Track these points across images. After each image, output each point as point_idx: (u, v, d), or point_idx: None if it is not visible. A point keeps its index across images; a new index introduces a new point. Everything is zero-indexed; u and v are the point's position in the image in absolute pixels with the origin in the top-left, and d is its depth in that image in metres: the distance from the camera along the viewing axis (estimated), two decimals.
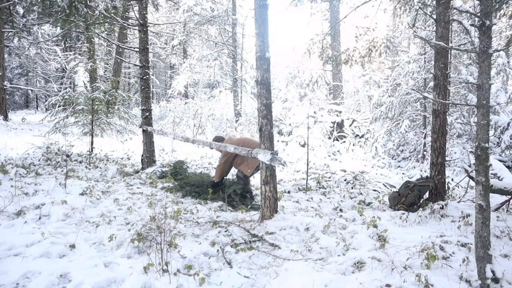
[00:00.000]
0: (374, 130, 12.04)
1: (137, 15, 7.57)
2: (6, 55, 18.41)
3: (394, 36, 13.02)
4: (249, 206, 4.81)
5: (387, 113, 10.34)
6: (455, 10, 5.92)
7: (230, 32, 16.94)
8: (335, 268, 2.87)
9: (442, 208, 4.37)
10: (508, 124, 7.27)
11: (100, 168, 7.28)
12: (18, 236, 3.26)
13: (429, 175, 4.94)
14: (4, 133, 11.71)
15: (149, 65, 7.83)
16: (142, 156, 7.65)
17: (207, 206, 4.77)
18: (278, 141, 11.02)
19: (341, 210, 4.72)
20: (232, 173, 7.59)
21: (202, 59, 17.98)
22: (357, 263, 2.97)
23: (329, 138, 11.64)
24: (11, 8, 15.06)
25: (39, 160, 7.09)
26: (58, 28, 13.57)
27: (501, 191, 4.50)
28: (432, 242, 3.29)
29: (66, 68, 21.26)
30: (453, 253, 3.13)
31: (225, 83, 19.31)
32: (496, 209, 4.63)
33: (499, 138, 7.44)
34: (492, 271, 2.48)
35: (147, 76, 7.66)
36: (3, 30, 14.85)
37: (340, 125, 12.28)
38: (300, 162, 8.59)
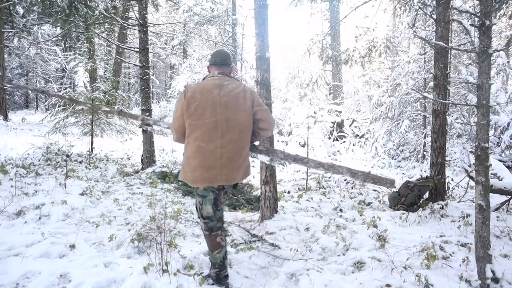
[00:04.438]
0: (374, 130, 12.04)
1: (137, 15, 7.57)
2: (6, 55, 18.41)
3: (394, 36, 13.02)
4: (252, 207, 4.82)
5: (387, 113, 10.33)
6: (455, 10, 5.92)
7: (230, 32, 16.93)
8: (335, 268, 2.87)
9: (442, 208, 4.37)
10: (508, 124, 7.26)
11: (100, 168, 7.28)
12: (18, 236, 3.26)
13: (429, 175, 4.95)
14: (4, 133, 11.70)
15: (149, 65, 7.83)
16: (142, 156, 7.66)
17: None
18: (278, 141, 11.03)
19: (341, 210, 4.72)
20: None
21: (202, 59, 17.95)
22: (357, 263, 2.97)
23: (329, 138, 11.64)
24: (11, 8, 15.05)
25: (39, 160, 7.09)
26: (58, 28, 13.56)
27: (501, 191, 4.50)
28: (432, 242, 3.29)
29: (66, 68, 21.25)
30: (453, 253, 3.13)
31: None
32: (496, 209, 4.63)
33: (499, 138, 7.44)
34: (492, 271, 2.48)
35: (147, 76, 7.66)
36: (3, 30, 14.85)
37: (340, 125, 12.28)
38: None
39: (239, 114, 2.43)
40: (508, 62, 10.62)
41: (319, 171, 3.36)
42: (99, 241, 3.30)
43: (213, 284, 2.55)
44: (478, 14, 2.44)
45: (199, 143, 2.37)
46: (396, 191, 5.07)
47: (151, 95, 9.82)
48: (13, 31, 15.66)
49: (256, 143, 2.78)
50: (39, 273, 2.61)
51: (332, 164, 2.59)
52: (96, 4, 8.20)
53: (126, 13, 14.43)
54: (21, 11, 16.63)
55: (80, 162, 7.61)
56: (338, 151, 10.99)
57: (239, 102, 2.44)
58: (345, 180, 6.91)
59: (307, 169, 6.38)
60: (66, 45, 22.47)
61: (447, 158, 5.99)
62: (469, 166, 6.46)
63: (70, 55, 19.44)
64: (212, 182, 2.39)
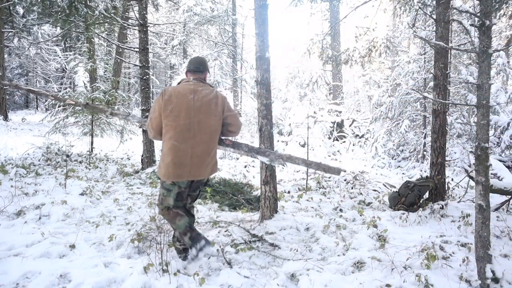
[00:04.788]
0: (374, 130, 12.04)
1: (137, 15, 7.57)
2: (6, 55, 18.41)
3: (394, 36, 13.01)
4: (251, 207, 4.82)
5: (387, 113, 10.33)
6: (455, 10, 5.92)
7: (230, 32, 16.93)
8: (335, 268, 2.87)
9: (442, 208, 4.37)
10: (508, 124, 7.27)
11: (100, 168, 7.28)
12: (18, 236, 3.26)
13: (429, 175, 4.94)
14: (4, 133, 11.71)
15: (149, 65, 7.83)
16: (142, 156, 7.65)
17: (207, 206, 4.77)
18: (278, 141, 11.02)
19: (341, 210, 4.72)
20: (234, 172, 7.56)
21: None
22: (357, 263, 2.97)
23: (329, 138, 11.64)
24: (11, 8, 15.05)
25: (39, 160, 7.09)
26: (58, 28, 13.55)
27: (501, 191, 4.50)
28: (432, 242, 3.29)
29: (66, 68, 21.25)
30: (453, 253, 3.13)
31: (225, 83, 19.29)
32: (496, 209, 4.63)
33: (499, 138, 7.44)
34: (492, 271, 2.48)
35: (147, 76, 7.66)
36: (3, 30, 14.85)
37: (340, 125, 12.28)
38: None
39: (210, 118, 2.72)
40: (508, 62, 10.62)
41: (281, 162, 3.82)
42: (99, 241, 3.30)
43: (192, 250, 2.59)
44: (478, 14, 2.44)
45: (173, 142, 2.64)
46: (396, 191, 5.07)
47: (151, 95, 9.82)
48: (13, 31, 15.66)
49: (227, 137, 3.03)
50: (39, 273, 2.61)
51: (290, 156, 2.93)
52: (96, 4, 8.19)
53: (126, 13, 14.42)
54: (21, 11, 16.63)
55: (80, 162, 7.61)
56: (338, 151, 10.99)
57: (211, 107, 2.72)
58: (345, 180, 6.91)
59: (307, 169, 6.38)
60: (66, 45, 22.47)
61: (447, 158, 5.99)
62: (469, 166, 6.46)
63: (70, 55, 19.44)
64: (182, 177, 2.68)
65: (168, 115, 2.64)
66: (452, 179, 5.81)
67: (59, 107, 11.69)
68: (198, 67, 2.85)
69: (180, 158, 2.64)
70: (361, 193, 5.81)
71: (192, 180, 2.76)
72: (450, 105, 8.08)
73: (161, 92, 2.72)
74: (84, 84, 15.67)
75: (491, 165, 2.95)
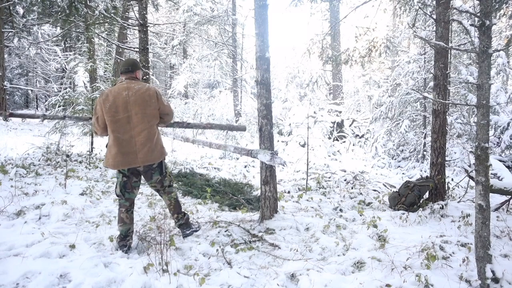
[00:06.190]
0: (374, 130, 12.04)
1: (137, 15, 7.57)
2: (6, 55, 18.41)
3: (394, 36, 13.00)
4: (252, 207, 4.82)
5: (387, 113, 10.33)
6: (455, 10, 5.92)
7: (230, 32, 16.95)
8: (335, 268, 2.87)
9: (442, 208, 4.37)
10: (508, 124, 7.27)
11: (100, 168, 7.27)
12: (18, 236, 3.26)
13: (429, 175, 4.94)
14: (4, 133, 11.71)
15: (149, 65, 7.83)
16: None
17: (207, 206, 4.77)
18: (278, 141, 11.02)
19: (341, 210, 4.72)
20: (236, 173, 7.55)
21: (202, 59, 17.94)
22: (357, 263, 2.97)
23: (329, 138, 11.64)
24: (11, 8, 15.06)
25: (39, 160, 7.08)
26: (58, 28, 13.56)
27: (501, 191, 4.50)
28: (432, 242, 3.29)
29: (66, 68, 21.24)
30: (453, 253, 3.13)
31: (225, 83, 19.29)
32: (496, 209, 4.63)
33: (499, 138, 7.45)
34: (492, 271, 2.48)
35: (147, 76, 7.67)
36: (3, 30, 14.85)
37: (340, 125, 12.28)
38: (300, 162, 8.59)
39: (146, 109, 3.09)
40: (508, 62, 10.62)
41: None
42: (99, 241, 3.30)
43: (117, 250, 3.10)
44: (478, 14, 2.44)
45: (116, 134, 3.02)
46: (396, 191, 5.07)
47: None
48: (13, 31, 15.66)
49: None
50: (39, 273, 2.61)
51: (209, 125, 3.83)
52: (96, 4, 8.19)
53: (126, 13, 14.41)
54: (21, 11, 16.63)
55: (80, 162, 7.60)
56: (338, 151, 10.98)
57: (145, 99, 3.08)
58: (345, 180, 6.91)
59: (307, 169, 6.38)
60: (66, 45, 22.47)
61: (447, 158, 5.99)
62: (469, 166, 6.46)
63: (70, 55, 19.45)
64: (131, 164, 3.06)
65: (108, 112, 3.00)
66: (452, 179, 5.81)
67: (59, 107, 11.67)
68: (128, 68, 3.20)
69: (125, 148, 3.02)
70: (361, 193, 5.81)
71: (138, 168, 3.13)
72: (450, 105, 8.08)
73: (100, 95, 3.09)
74: (84, 84, 15.67)
75: (491, 165, 2.95)
